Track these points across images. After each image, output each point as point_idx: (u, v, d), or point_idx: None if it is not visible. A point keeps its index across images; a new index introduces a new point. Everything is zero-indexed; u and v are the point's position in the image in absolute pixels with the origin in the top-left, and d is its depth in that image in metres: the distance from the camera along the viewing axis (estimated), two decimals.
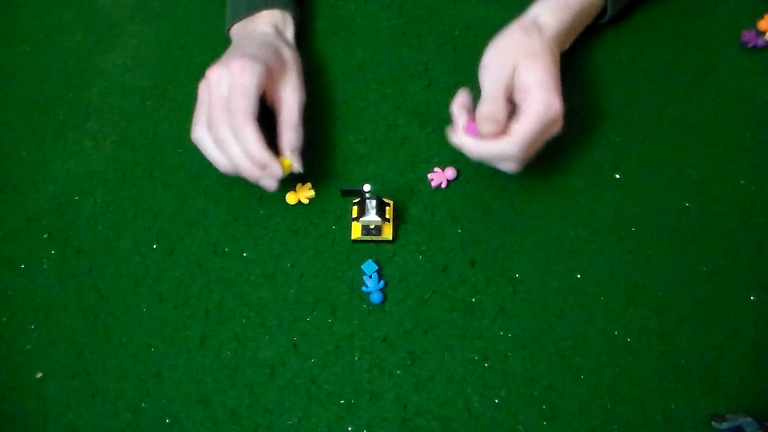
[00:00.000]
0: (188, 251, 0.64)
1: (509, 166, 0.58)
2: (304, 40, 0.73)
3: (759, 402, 0.56)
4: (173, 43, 0.75)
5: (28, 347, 0.60)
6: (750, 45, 0.70)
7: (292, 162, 0.60)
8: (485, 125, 0.57)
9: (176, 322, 0.61)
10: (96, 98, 0.72)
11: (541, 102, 0.55)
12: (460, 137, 0.58)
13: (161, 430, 0.57)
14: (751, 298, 0.60)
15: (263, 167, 0.57)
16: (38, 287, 0.63)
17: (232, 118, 0.56)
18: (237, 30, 0.67)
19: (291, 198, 0.64)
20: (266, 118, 0.61)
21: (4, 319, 0.62)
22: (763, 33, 0.70)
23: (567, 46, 0.65)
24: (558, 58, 0.60)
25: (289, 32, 0.67)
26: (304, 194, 0.64)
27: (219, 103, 0.57)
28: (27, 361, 0.60)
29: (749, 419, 0.53)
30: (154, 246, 0.64)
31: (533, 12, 0.62)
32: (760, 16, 0.71)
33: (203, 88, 0.59)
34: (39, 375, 0.59)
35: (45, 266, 0.64)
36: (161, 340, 0.60)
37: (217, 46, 0.72)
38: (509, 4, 0.74)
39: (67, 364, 0.60)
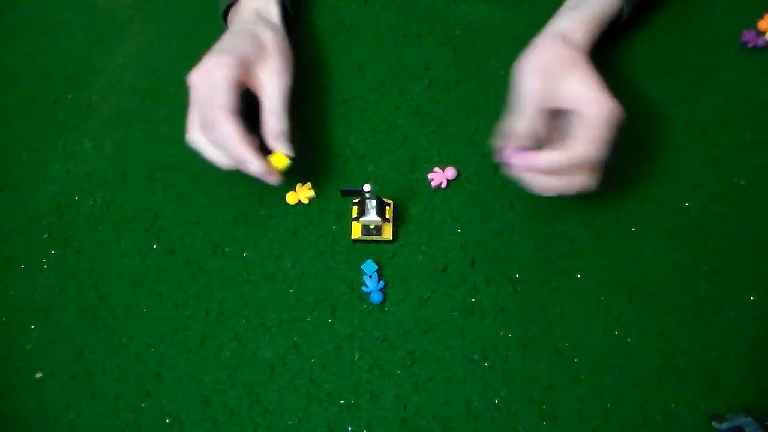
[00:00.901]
0: (188, 251, 0.64)
1: (584, 180, 0.56)
2: (304, 40, 0.73)
3: (759, 402, 0.56)
4: (173, 43, 0.75)
5: (28, 347, 0.60)
6: (750, 45, 0.70)
7: (281, 149, 0.59)
8: (524, 143, 0.55)
9: (176, 322, 0.61)
10: (96, 98, 0.72)
11: (597, 103, 0.54)
12: (519, 157, 0.55)
13: (161, 430, 0.57)
14: (751, 298, 0.60)
15: (240, 163, 0.57)
16: (38, 287, 0.63)
17: (209, 117, 0.56)
18: (229, 18, 0.67)
19: (291, 198, 0.64)
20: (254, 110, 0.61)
21: (4, 319, 0.62)
22: (763, 33, 0.70)
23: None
24: (595, 69, 0.58)
25: (273, 12, 0.66)
26: (304, 194, 0.64)
27: (203, 104, 0.57)
28: (27, 361, 0.60)
29: (749, 419, 0.53)
30: (154, 246, 0.64)
31: (560, 26, 0.60)
32: (760, 16, 0.71)
33: (191, 92, 0.59)
34: (39, 375, 0.59)
35: (45, 266, 0.64)
36: (161, 340, 0.60)
37: None
38: (509, 4, 0.74)
39: (67, 364, 0.60)
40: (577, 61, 0.57)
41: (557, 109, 0.57)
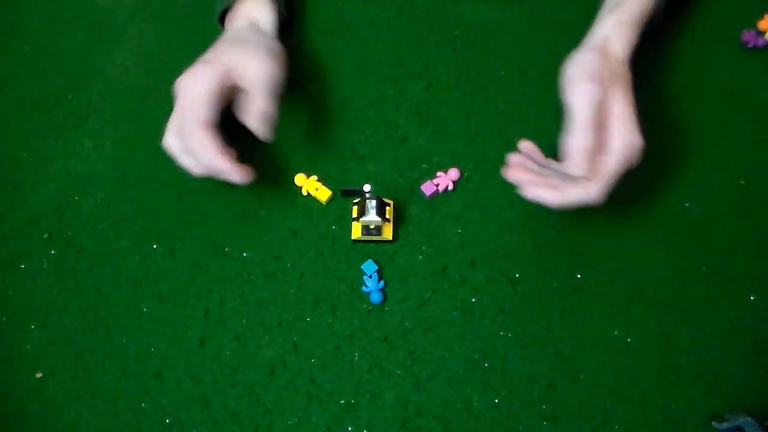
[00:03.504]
0: (188, 251, 0.64)
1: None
2: (304, 40, 0.73)
3: (759, 402, 0.56)
4: (173, 43, 0.75)
5: (28, 347, 0.60)
6: (750, 45, 0.70)
7: (261, 130, 0.59)
8: (578, 162, 0.53)
9: (176, 322, 0.61)
10: (96, 98, 0.72)
11: (622, 141, 0.54)
12: (536, 191, 0.54)
13: (161, 430, 0.57)
14: (751, 298, 0.60)
15: (218, 174, 0.57)
16: (38, 287, 0.63)
17: (187, 128, 0.57)
18: (226, 23, 0.68)
19: (299, 180, 0.65)
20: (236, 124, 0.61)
21: (4, 319, 0.62)
22: (763, 33, 0.70)
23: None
24: (631, 81, 0.58)
25: (267, 19, 0.66)
26: (312, 186, 0.65)
27: (182, 112, 0.58)
28: (27, 361, 0.60)
29: (749, 419, 0.53)
30: (154, 246, 0.64)
31: (603, 32, 0.59)
32: (760, 16, 0.71)
33: (176, 97, 0.60)
34: (39, 375, 0.59)
35: (45, 266, 0.64)
36: (161, 340, 0.60)
37: None
38: (509, 4, 0.74)
39: (67, 364, 0.60)
40: (620, 77, 0.56)
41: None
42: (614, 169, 0.53)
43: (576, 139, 0.54)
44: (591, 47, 0.59)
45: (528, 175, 0.56)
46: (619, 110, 0.55)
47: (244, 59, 0.60)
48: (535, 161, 0.59)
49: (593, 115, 0.54)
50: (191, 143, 0.57)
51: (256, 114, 0.59)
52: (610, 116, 0.55)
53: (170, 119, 0.59)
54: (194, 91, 0.58)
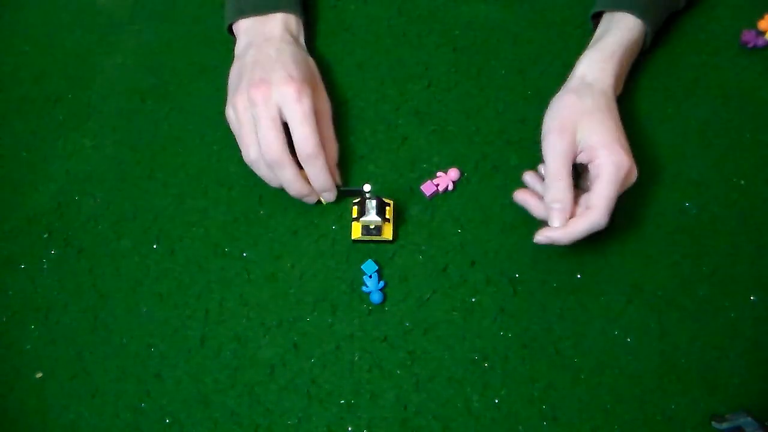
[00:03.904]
0: (188, 251, 0.64)
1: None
2: (304, 40, 0.73)
3: (759, 402, 0.56)
4: (173, 43, 0.75)
5: (28, 347, 0.60)
6: (750, 45, 0.70)
7: (336, 178, 0.63)
8: (555, 214, 0.56)
9: (176, 322, 0.61)
10: (96, 98, 0.72)
11: (610, 164, 0.55)
12: (545, 234, 0.56)
13: (161, 430, 0.57)
14: (751, 298, 0.60)
15: (302, 197, 0.61)
16: (38, 287, 0.63)
17: (276, 157, 0.58)
18: (247, 28, 0.65)
19: None
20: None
21: (4, 319, 0.62)
22: (763, 33, 0.70)
23: (620, 90, 0.65)
24: (614, 109, 0.59)
25: (302, 37, 0.68)
26: None
27: (270, 125, 0.58)
28: (27, 361, 0.60)
29: (749, 419, 0.53)
30: (154, 246, 0.64)
31: (579, 71, 0.61)
32: (760, 16, 0.71)
33: (244, 106, 0.59)
34: (39, 375, 0.59)
35: (45, 266, 0.64)
36: (161, 340, 0.60)
37: (217, 45, 0.73)
38: (509, 4, 0.74)
39: (67, 364, 0.60)
40: (592, 110, 0.58)
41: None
42: (608, 193, 0.55)
43: (551, 190, 0.56)
44: (567, 89, 0.61)
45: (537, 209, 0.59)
46: (601, 139, 0.56)
47: (314, 86, 0.62)
48: (538, 194, 0.60)
49: (564, 163, 0.56)
50: (280, 172, 0.59)
51: (335, 164, 0.63)
52: (594, 148, 0.56)
53: (244, 132, 0.59)
54: (303, 110, 0.58)
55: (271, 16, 0.65)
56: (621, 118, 0.60)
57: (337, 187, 0.62)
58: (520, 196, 0.60)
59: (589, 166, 0.57)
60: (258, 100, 0.58)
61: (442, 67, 0.71)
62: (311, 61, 0.65)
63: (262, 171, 0.60)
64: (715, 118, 0.67)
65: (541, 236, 0.56)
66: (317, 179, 0.60)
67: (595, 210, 0.55)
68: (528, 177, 0.62)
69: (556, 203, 0.56)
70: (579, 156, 0.57)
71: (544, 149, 0.58)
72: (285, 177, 0.59)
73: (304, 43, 0.67)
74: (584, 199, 0.57)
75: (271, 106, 0.58)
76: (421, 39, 0.73)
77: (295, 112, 0.58)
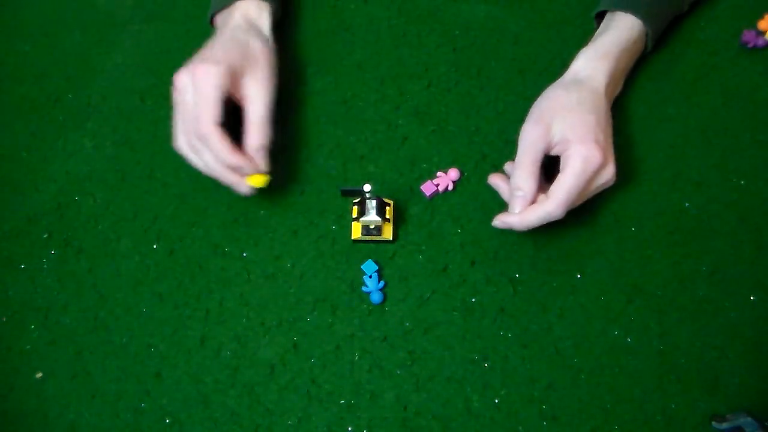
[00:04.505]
0: (188, 251, 0.64)
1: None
2: (304, 40, 0.73)
3: (759, 402, 0.56)
4: (173, 43, 0.75)
5: (28, 347, 0.60)
6: (750, 45, 0.70)
7: (259, 162, 0.59)
8: (516, 201, 0.57)
9: (176, 322, 0.61)
10: (96, 98, 0.72)
11: (578, 156, 0.55)
12: (501, 219, 0.58)
13: (161, 430, 0.57)
14: (751, 298, 0.60)
15: (236, 170, 0.58)
16: (38, 287, 0.63)
17: (197, 127, 0.57)
18: (218, 22, 0.67)
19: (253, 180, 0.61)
20: (237, 118, 0.61)
21: (4, 319, 0.62)
22: (763, 33, 0.70)
23: (618, 90, 0.65)
24: (602, 107, 0.59)
25: (264, 22, 0.66)
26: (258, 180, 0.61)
27: (186, 111, 0.58)
28: (27, 361, 0.60)
29: (749, 419, 0.53)
30: (154, 246, 0.64)
31: (574, 67, 0.62)
32: (760, 16, 0.71)
33: (174, 95, 0.59)
34: (39, 375, 0.59)
35: (45, 266, 0.64)
36: (161, 340, 0.60)
37: None
38: (509, 4, 0.74)
39: (67, 364, 0.60)
40: (573, 106, 0.58)
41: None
42: (569, 185, 0.55)
43: (512, 178, 0.57)
44: (558, 83, 0.62)
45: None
46: (576, 133, 0.56)
47: (248, 69, 0.60)
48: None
49: (530, 154, 0.57)
50: (207, 143, 0.57)
51: (262, 150, 0.59)
52: (568, 141, 0.56)
53: (175, 119, 0.59)
54: (201, 88, 0.57)
55: (234, 6, 0.65)
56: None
57: (342, 192, 0.61)
58: (494, 180, 0.62)
59: (561, 161, 0.57)
60: (178, 87, 0.59)
61: (442, 67, 0.71)
62: (257, 43, 0.63)
63: (188, 158, 0.60)
64: (715, 118, 0.67)
65: (498, 221, 0.58)
66: (219, 159, 0.58)
67: (552, 200, 0.55)
68: (507, 165, 0.63)
69: (519, 191, 0.57)
70: (554, 149, 0.58)
71: (519, 138, 0.58)
72: (205, 159, 0.58)
73: (266, 28, 0.66)
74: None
75: (180, 89, 0.58)
76: (421, 39, 0.73)
77: (193, 94, 0.58)
